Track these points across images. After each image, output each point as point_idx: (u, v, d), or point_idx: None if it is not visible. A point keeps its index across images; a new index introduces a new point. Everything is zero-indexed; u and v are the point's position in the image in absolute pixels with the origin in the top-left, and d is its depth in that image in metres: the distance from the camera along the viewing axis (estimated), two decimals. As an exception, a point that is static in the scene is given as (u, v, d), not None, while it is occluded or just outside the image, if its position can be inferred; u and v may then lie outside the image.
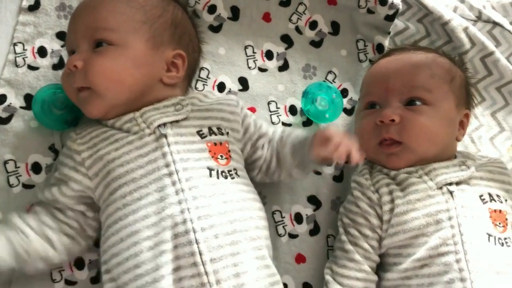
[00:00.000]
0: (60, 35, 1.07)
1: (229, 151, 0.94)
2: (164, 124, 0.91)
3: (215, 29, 1.16)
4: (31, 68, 1.05)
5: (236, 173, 0.93)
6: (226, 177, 0.91)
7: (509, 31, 1.30)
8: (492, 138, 1.26)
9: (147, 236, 0.84)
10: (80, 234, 0.94)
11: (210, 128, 0.94)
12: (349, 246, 0.99)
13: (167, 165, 0.87)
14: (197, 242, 0.82)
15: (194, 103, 0.97)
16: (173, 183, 0.86)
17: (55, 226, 0.91)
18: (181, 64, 0.98)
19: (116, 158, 0.89)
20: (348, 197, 1.06)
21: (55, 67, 1.06)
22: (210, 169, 0.90)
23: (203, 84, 1.13)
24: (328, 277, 0.99)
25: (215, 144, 0.93)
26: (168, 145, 0.89)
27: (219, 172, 0.90)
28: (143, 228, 0.84)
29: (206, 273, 0.82)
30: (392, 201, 0.98)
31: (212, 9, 1.16)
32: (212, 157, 0.91)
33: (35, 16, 1.07)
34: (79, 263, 0.99)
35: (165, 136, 0.90)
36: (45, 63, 1.06)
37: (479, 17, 1.30)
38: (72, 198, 0.92)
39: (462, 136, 1.08)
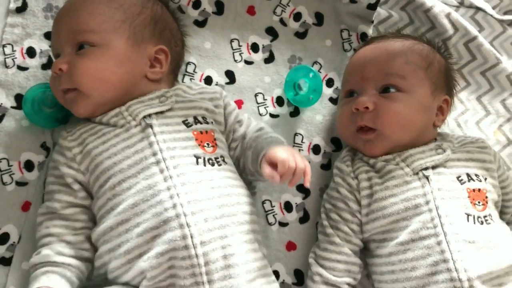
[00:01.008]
0: (48, 35, 1.10)
1: (215, 139, 0.97)
2: (150, 115, 0.94)
3: (200, 23, 1.18)
4: (21, 68, 1.07)
5: (223, 160, 0.96)
6: (213, 164, 0.93)
7: (491, 15, 1.31)
8: (478, 122, 1.27)
9: (137, 223, 0.86)
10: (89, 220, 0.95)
11: (195, 117, 0.97)
12: (329, 230, 1.02)
13: (154, 154, 0.90)
14: (188, 226, 0.85)
15: (178, 94, 1.00)
16: (161, 171, 0.89)
17: (81, 238, 0.92)
18: (164, 59, 1.00)
19: (103, 151, 0.91)
20: (330, 184, 1.08)
21: (44, 66, 1.08)
22: (197, 157, 0.92)
23: (190, 78, 1.15)
24: (311, 260, 1.03)
25: (201, 132, 0.96)
26: (154, 134, 0.92)
27: (206, 159, 0.93)
28: (133, 215, 0.87)
29: (196, 256, 0.84)
30: (370, 187, 1.00)
31: (196, 4, 1.18)
32: (199, 145, 0.94)
33: (23, 18, 1.09)
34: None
35: (151, 126, 0.92)
36: (34, 63, 1.08)
37: (461, 3, 1.32)
38: (77, 195, 0.94)
39: (441, 122, 1.09)
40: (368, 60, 1.06)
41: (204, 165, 0.92)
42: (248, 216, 0.93)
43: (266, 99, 1.18)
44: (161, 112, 0.95)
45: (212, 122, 0.99)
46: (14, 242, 0.99)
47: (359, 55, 1.11)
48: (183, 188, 0.87)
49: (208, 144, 0.95)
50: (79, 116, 0.96)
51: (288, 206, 1.13)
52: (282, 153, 0.88)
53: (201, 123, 0.97)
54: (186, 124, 0.95)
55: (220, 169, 0.94)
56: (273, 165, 0.88)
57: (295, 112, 1.18)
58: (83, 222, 0.93)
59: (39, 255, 0.89)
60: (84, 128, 0.96)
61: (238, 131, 1.04)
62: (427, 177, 0.98)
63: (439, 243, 0.92)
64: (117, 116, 0.94)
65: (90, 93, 0.93)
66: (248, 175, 1.03)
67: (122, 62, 0.94)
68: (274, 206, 1.12)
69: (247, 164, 1.00)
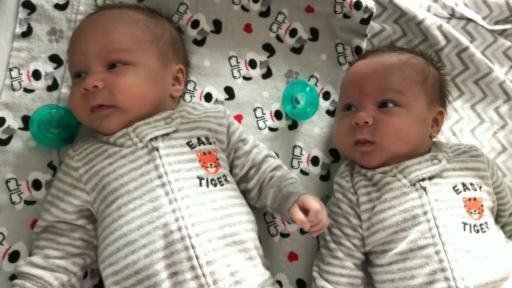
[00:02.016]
0: (53, 58, 1.13)
1: (217, 159, 1.00)
2: (156, 138, 0.97)
3: (199, 42, 1.21)
4: (27, 91, 1.10)
5: (225, 180, 0.99)
6: (215, 185, 0.96)
7: (482, 26, 1.34)
8: (473, 130, 1.30)
9: (143, 244, 0.88)
10: (87, 248, 0.99)
11: (199, 139, 1.00)
12: (332, 245, 1.04)
13: (160, 177, 0.93)
14: (193, 247, 0.87)
15: (183, 115, 1.03)
16: (166, 193, 0.91)
17: (61, 254, 0.96)
18: (182, 78, 1.06)
19: (111, 172, 0.94)
20: (331, 199, 1.11)
21: (50, 88, 1.12)
22: (200, 178, 0.95)
23: (191, 96, 1.18)
24: (315, 274, 1.05)
25: (204, 153, 0.99)
26: (160, 157, 0.94)
27: (209, 180, 0.96)
28: (139, 237, 0.89)
29: (204, 275, 0.87)
30: (370, 201, 1.03)
31: (195, 24, 1.22)
32: (202, 166, 0.97)
33: (28, 42, 1.13)
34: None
35: (157, 149, 0.95)
36: (39, 85, 1.11)
37: (452, 15, 1.35)
38: (72, 213, 0.97)
39: (436, 133, 1.12)
40: (366, 74, 1.08)
41: (207, 186, 0.95)
42: (249, 233, 0.96)
43: (265, 113, 1.21)
44: (167, 134, 0.98)
45: (214, 142, 1.02)
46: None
47: (356, 69, 1.13)
48: (187, 211, 0.90)
49: (211, 164, 0.98)
50: (107, 131, 0.99)
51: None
52: (316, 204, 0.95)
53: (204, 144, 1.00)
54: (190, 145, 0.98)
55: (222, 189, 0.97)
56: (304, 210, 0.95)
57: (293, 125, 1.22)
58: (69, 239, 0.97)
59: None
60: (90, 147, 0.99)
61: (242, 149, 1.07)
62: (424, 188, 1.00)
63: (437, 253, 0.94)
64: (124, 137, 0.97)
65: (129, 109, 0.97)
66: (256, 203, 1.06)
67: (155, 80, 0.99)
68: (275, 218, 1.15)
69: (265, 199, 1.04)
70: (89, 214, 0.99)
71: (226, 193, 0.97)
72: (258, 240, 1.00)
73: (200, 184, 0.94)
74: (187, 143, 0.98)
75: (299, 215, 0.94)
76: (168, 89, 1.03)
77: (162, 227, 0.88)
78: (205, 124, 1.03)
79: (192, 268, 0.87)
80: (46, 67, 1.13)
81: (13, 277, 1.00)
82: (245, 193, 1.06)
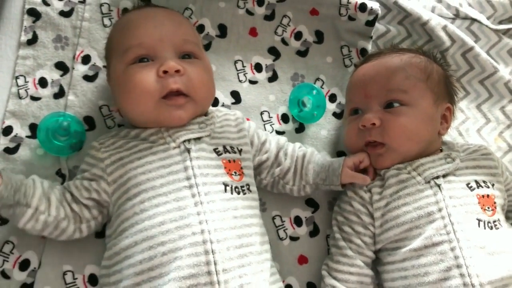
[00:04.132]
0: (59, 65, 1.13)
1: (241, 168, 1.00)
2: (189, 140, 0.97)
3: (205, 47, 1.21)
4: (34, 98, 1.10)
5: (248, 189, 0.99)
6: (238, 193, 0.96)
7: (486, 25, 1.35)
8: (479, 130, 1.31)
9: (161, 241, 0.87)
10: (74, 219, 0.96)
11: (224, 147, 1.00)
12: (342, 243, 1.04)
13: (188, 178, 0.93)
14: (213, 252, 0.87)
15: (214, 122, 1.03)
16: (193, 195, 0.91)
17: (60, 199, 0.95)
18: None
19: (139, 166, 0.94)
20: (342, 197, 1.11)
21: (56, 96, 1.11)
22: (225, 185, 0.95)
23: (197, 101, 1.18)
24: (324, 272, 1.05)
25: (229, 161, 0.99)
26: (191, 159, 0.95)
27: (233, 187, 0.96)
28: (159, 233, 0.88)
29: (218, 282, 0.86)
30: (383, 198, 1.03)
31: (200, 28, 1.22)
32: (227, 173, 0.97)
33: (34, 49, 1.13)
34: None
35: (189, 151, 0.95)
36: (46, 93, 1.11)
37: (457, 15, 1.35)
38: (86, 199, 0.96)
39: (446, 129, 1.12)
40: (369, 78, 1.09)
41: (231, 193, 0.95)
42: (261, 246, 0.96)
43: (271, 117, 1.21)
44: (199, 138, 0.98)
45: (240, 151, 1.02)
46: (34, 268, 1.01)
47: (359, 73, 1.14)
48: (211, 215, 0.90)
49: (235, 172, 0.98)
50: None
51: (298, 221, 1.15)
52: (361, 155, 1.07)
53: (229, 152, 1.00)
54: (217, 152, 0.99)
55: (244, 198, 0.97)
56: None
57: (300, 128, 1.22)
58: (78, 206, 0.96)
59: None
60: (118, 142, 0.99)
61: (262, 138, 1.09)
62: (438, 186, 1.01)
63: (452, 249, 0.95)
64: (157, 135, 0.97)
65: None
66: (294, 185, 1.09)
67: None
68: (284, 221, 1.15)
69: (306, 176, 1.08)
70: (100, 201, 0.97)
71: (247, 203, 0.97)
72: (269, 253, 1.00)
73: (225, 190, 0.95)
74: (214, 150, 0.99)
75: (358, 177, 1.04)
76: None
77: (185, 228, 0.88)
78: (228, 134, 1.03)
79: (209, 273, 0.86)
80: (52, 75, 1.13)
81: (24, 285, 1.00)
82: (280, 181, 1.08)
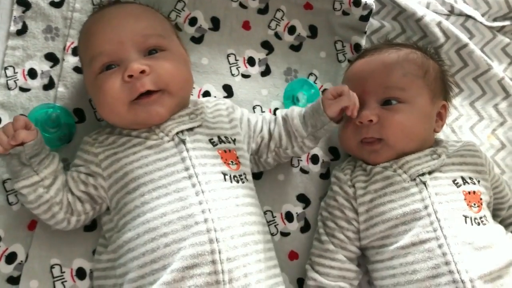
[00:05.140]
0: (49, 56, 1.12)
1: (237, 157, 1.00)
2: (182, 132, 0.96)
3: (197, 40, 1.20)
4: (23, 90, 1.09)
5: (245, 177, 0.99)
6: (237, 181, 0.96)
7: (481, 22, 1.34)
8: (472, 127, 1.30)
9: (163, 233, 0.87)
10: (67, 208, 0.95)
11: (219, 137, 1.00)
12: (324, 237, 1.05)
13: (187, 169, 0.92)
14: (217, 241, 0.86)
15: (204, 111, 1.02)
16: (193, 185, 0.90)
17: (64, 184, 0.95)
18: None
19: (134, 160, 0.93)
20: (328, 192, 1.11)
21: (46, 87, 1.10)
22: (224, 174, 0.95)
23: (189, 94, 1.17)
24: (307, 266, 1.06)
25: (225, 151, 0.98)
26: (187, 150, 0.94)
27: (232, 176, 0.96)
28: (161, 225, 0.87)
29: (222, 271, 0.85)
30: (367, 193, 1.03)
31: (193, 21, 1.21)
32: (224, 162, 0.97)
33: (23, 40, 1.11)
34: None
35: (184, 142, 0.95)
36: (35, 84, 1.10)
37: (451, 11, 1.35)
38: (81, 192, 0.95)
39: (441, 127, 1.12)
40: (366, 74, 1.08)
41: (231, 181, 0.95)
42: (261, 236, 0.95)
43: (264, 111, 1.20)
44: (191, 129, 0.98)
45: (234, 141, 1.01)
46: (21, 261, 1.00)
47: (355, 69, 1.13)
48: (214, 204, 0.89)
49: (232, 162, 0.98)
50: (159, 118, 0.96)
51: (289, 216, 1.15)
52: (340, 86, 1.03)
53: (224, 143, 0.99)
54: (212, 142, 0.98)
55: (243, 187, 0.97)
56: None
57: (292, 124, 1.21)
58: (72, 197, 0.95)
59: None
60: (110, 138, 0.98)
61: (253, 121, 1.08)
62: (424, 183, 1.00)
63: (440, 246, 0.94)
64: (149, 132, 0.96)
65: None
66: (294, 147, 1.06)
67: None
68: (275, 217, 1.14)
69: (297, 132, 1.04)
70: (94, 196, 0.96)
71: (246, 191, 0.97)
72: (271, 243, 0.99)
73: (225, 179, 0.94)
74: (209, 140, 0.98)
75: (339, 98, 1.00)
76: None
77: (187, 218, 0.87)
78: (221, 124, 1.02)
79: (213, 262, 0.85)
80: (42, 66, 1.11)
81: (10, 279, 0.99)
82: (280, 150, 1.07)
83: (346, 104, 0.99)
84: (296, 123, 1.04)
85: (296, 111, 1.07)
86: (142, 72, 0.92)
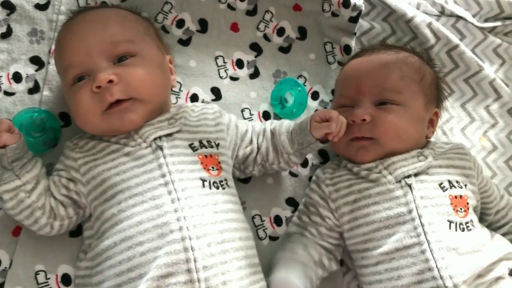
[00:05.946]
0: (34, 60, 1.10)
1: (219, 162, 0.98)
2: (160, 138, 0.95)
3: (185, 42, 1.19)
4: (7, 94, 1.08)
5: (226, 184, 0.97)
6: (217, 188, 0.95)
7: (472, 23, 1.33)
8: (464, 129, 1.29)
9: (139, 241, 0.86)
10: (49, 213, 0.94)
11: (200, 141, 0.98)
12: (293, 229, 1.08)
13: (163, 175, 0.91)
14: (192, 249, 0.85)
15: (185, 117, 1.01)
16: (169, 192, 0.90)
17: (46, 189, 0.94)
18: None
19: (112, 167, 0.93)
20: (306, 189, 1.12)
21: (31, 91, 1.09)
22: (203, 180, 0.94)
23: (176, 97, 1.16)
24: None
25: (206, 156, 0.97)
26: (164, 156, 0.93)
27: (211, 182, 0.94)
28: (137, 233, 0.87)
29: (198, 280, 0.84)
30: (351, 193, 1.02)
31: (180, 23, 1.19)
32: (204, 168, 0.95)
33: (8, 43, 1.10)
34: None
35: (161, 148, 0.94)
36: (20, 88, 1.09)
37: (442, 12, 1.34)
38: (62, 196, 0.95)
39: (432, 133, 1.12)
40: (363, 73, 1.08)
41: (210, 188, 0.94)
42: (243, 242, 0.94)
43: (252, 114, 1.19)
44: (170, 135, 0.97)
45: (217, 145, 1.00)
46: (5, 268, 0.99)
47: (352, 67, 1.12)
48: (190, 211, 0.88)
49: (213, 167, 0.96)
50: (131, 126, 0.95)
51: (278, 220, 1.14)
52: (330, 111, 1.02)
53: (206, 147, 0.98)
54: (192, 148, 0.97)
55: (223, 193, 0.95)
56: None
57: (281, 126, 1.19)
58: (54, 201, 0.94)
59: None
60: (90, 143, 0.97)
61: (243, 127, 1.07)
62: (409, 185, 0.99)
63: (423, 252, 0.93)
64: (127, 138, 0.95)
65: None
66: (280, 163, 1.06)
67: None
68: (264, 221, 1.13)
69: (283, 148, 1.04)
70: (75, 200, 0.96)
71: (227, 198, 0.96)
72: (253, 249, 0.98)
73: (203, 186, 0.93)
74: (189, 145, 0.97)
75: (323, 124, 0.98)
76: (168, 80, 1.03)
77: (162, 226, 0.86)
78: (205, 128, 1.01)
79: (188, 271, 0.84)
80: (27, 69, 1.10)
81: (-5, 285, 0.98)
82: (266, 164, 1.07)
83: (332, 130, 0.97)
84: (283, 139, 1.04)
85: (284, 126, 1.06)
86: (110, 81, 0.91)
